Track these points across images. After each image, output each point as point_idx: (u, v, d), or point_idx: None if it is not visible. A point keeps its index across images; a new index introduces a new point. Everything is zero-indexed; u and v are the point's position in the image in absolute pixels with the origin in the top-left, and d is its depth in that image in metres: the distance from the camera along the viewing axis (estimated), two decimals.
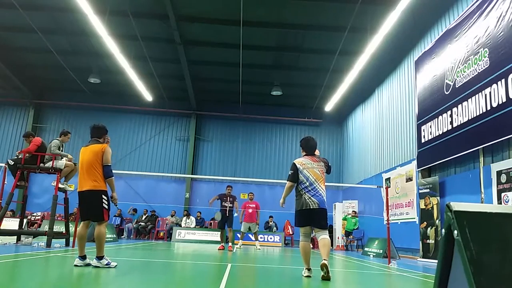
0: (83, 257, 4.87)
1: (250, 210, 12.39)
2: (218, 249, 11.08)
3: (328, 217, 5.22)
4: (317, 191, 5.16)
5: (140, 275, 4.69)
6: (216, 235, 16.58)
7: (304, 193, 5.13)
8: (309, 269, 5.05)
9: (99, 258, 4.82)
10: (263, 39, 14.53)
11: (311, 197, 5.09)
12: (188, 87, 17.99)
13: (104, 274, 4.36)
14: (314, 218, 5.13)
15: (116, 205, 5.27)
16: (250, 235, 15.75)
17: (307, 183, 5.15)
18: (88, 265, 4.88)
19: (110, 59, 15.48)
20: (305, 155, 5.48)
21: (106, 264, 4.82)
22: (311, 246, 5.69)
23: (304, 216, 5.16)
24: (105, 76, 18.06)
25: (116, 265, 4.93)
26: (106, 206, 4.96)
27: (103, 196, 4.92)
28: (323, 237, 5.07)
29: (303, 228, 5.19)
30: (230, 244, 11.94)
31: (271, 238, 17.18)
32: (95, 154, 4.97)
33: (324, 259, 4.75)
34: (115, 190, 5.21)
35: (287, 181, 5.29)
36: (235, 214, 11.80)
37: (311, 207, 5.06)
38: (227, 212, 11.30)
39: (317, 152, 5.58)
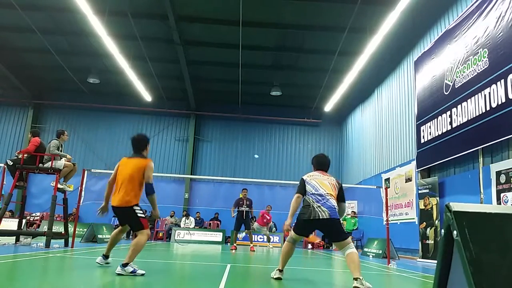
0: (106, 257, 5.00)
1: (265, 220, 13.21)
2: (231, 250, 11.44)
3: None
4: (328, 200, 4.55)
5: (138, 276, 4.67)
6: (215, 235, 16.73)
7: (312, 201, 4.55)
8: (281, 271, 4.74)
9: (124, 265, 4.34)
10: (263, 39, 14.53)
11: (321, 206, 4.48)
12: (188, 87, 17.99)
13: (103, 275, 4.35)
14: (328, 231, 4.67)
15: (159, 218, 5.10)
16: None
17: (315, 192, 4.61)
18: (108, 264, 5.04)
19: (109, 59, 15.47)
20: (315, 170, 5.04)
21: (132, 272, 4.32)
22: (311, 246, 5.46)
23: (310, 227, 4.69)
24: (104, 76, 18.05)
25: (143, 274, 4.39)
26: (143, 215, 4.69)
27: (135, 208, 4.63)
28: (350, 251, 4.35)
29: (298, 236, 4.75)
30: (252, 245, 12.01)
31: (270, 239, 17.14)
32: (139, 169, 4.70)
33: (355, 278, 4.06)
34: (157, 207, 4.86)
35: (295, 194, 4.77)
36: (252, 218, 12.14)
37: (321, 217, 4.41)
38: (244, 215, 11.51)
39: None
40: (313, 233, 6.31)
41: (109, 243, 5.02)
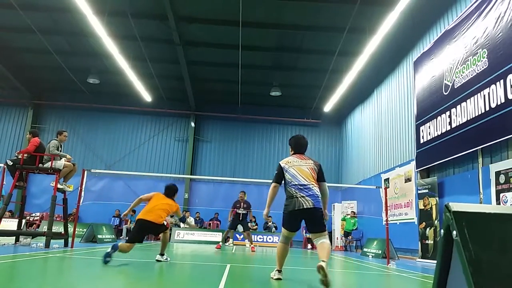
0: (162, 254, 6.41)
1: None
2: (216, 248, 11.35)
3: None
4: (311, 189, 4.49)
5: (139, 275, 4.68)
6: (215, 235, 16.67)
7: (295, 191, 4.48)
8: (280, 271, 4.60)
9: (162, 254, 6.32)
10: (262, 39, 14.54)
11: (304, 196, 4.43)
12: (187, 87, 17.99)
13: (103, 275, 4.35)
14: (309, 221, 4.52)
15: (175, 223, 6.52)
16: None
17: (296, 182, 4.53)
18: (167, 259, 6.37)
19: (109, 59, 15.47)
20: (293, 154, 4.89)
21: (165, 259, 6.33)
22: (311, 247, 5.34)
23: (296, 218, 4.54)
24: (104, 76, 18.05)
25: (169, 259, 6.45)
26: (165, 223, 6.33)
27: (163, 223, 6.25)
28: (323, 241, 4.42)
29: (289, 232, 4.62)
30: (252, 245, 12.00)
31: (270, 239, 17.17)
32: (170, 208, 6.29)
33: (323, 260, 4.10)
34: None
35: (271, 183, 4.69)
36: (250, 221, 12.04)
37: (305, 207, 4.39)
38: (240, 217, 11.60)
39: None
40: None
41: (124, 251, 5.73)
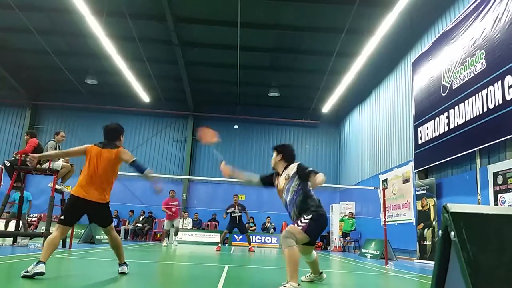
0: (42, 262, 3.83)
1: (174, 209, 13.15)
2: (216, 250, 11.40)
3: (323, 218, 4.25)
4: None
5: (137, 277, 4.68)
6: (213, 236, 16.71)
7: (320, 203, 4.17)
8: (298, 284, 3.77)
9: (124, 264, 4.44)
10: (261, 40, 14.55)
11: None
12: (186, 88, 17.98)
13: (101, 276, 4.34)
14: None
15: (160, 193, 4.76)
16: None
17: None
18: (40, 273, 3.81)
19: (107, 60, 15.44)
20: (287, 165, 4.41)
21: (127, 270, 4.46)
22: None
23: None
24: (102, 77, 18.02)
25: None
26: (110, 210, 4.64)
27: (108, 206, 4.54)
28: (313, 252, 4.52)
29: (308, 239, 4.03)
30: (251, 246, 12.09)
31: (268, 240, 17.17)
32: (110, 161, 4.25)
33: (321, 272, 4.66)
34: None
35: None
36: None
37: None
38: (237, 219, 11.81)
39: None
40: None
41: (52, 249, 3.99)
